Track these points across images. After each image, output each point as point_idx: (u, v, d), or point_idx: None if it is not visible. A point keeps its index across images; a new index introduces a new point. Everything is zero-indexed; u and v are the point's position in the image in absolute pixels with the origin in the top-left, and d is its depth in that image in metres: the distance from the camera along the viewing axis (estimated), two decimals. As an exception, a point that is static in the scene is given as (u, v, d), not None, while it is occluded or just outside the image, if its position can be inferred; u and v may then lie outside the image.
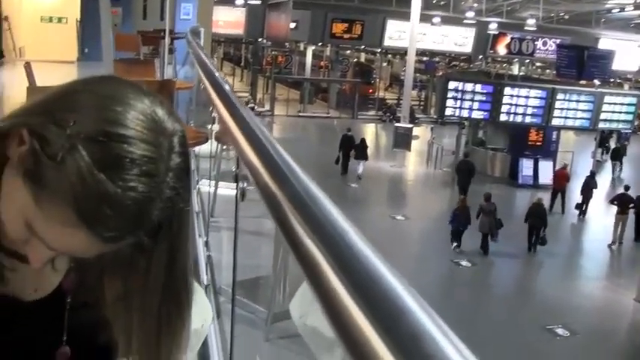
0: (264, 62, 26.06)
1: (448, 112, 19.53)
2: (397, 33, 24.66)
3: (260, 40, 23.85)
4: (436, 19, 24.74)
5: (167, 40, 7.45)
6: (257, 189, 0.90)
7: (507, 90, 18.87)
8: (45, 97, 0.98)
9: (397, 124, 19.41)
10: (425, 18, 21.44)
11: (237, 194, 2.07)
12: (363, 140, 16.95)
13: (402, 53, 24.61)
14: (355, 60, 25.98)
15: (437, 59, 28.38)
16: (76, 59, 14.59)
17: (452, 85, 19.05)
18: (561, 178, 16.28)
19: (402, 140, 18.22)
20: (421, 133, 22.80)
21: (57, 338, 1.20)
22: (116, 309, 1.13)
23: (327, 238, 0.62)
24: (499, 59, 28.02)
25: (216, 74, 2.12)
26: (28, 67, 5.77)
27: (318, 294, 0.56)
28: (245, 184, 2.00)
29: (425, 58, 27.17)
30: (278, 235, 2.94)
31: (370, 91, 24.28)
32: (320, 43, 23.28)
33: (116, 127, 0.89)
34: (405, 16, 19.90)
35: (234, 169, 1.92)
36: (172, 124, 0.95)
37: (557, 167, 17.55)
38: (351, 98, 24.77)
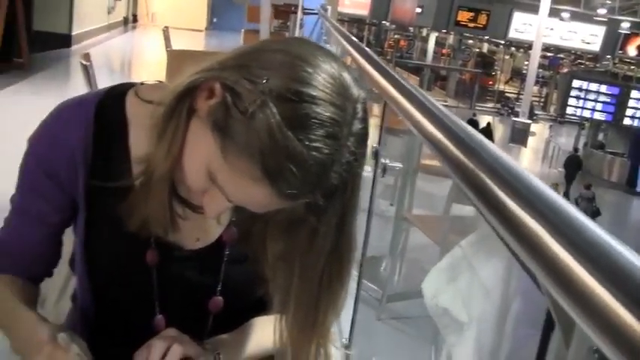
0: (385, 45, 25.95)
1: (569, 110, 18.98)
2: (523, 26, 24.03)
3: (384, 22, 23.75)
4: (565, 14, 23.91)
5: (300, 14, 7.54)
6: (445, 164, 0.90)
7: (635, 93, 18.15)
8: (237, 53, 1.01)
9: (515, 119, 18.94)
10: (554, 12, 20.76)
11: (375, 171, 2.08)
12: (488, 124, 16.81)
13: (525, 47, 24.00)
14: (477, 50, 25.51)
15: (562, 56, 27.49)
16: (205, 28, 14.99)
17: (576, 83, 18.48)
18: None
19: (519, 135, 17.78)
20: (538, 130, 22.21)
21: (212, 288, 1.25)
22: (276, 267, 1.17)
23: (542, 209, 0.62)
24: (628, 60, 26.88)
25: (368, 49, 2.14)
26: (166, 31, 6.00)
27: (540, 263, 0.55)
28: (387, 160, 2.00)
29: (549, 54, 26.38)
30: (398, 218, 2.95)
31: (490, 82, 23.84)
32: (444, 30, 23.00)
33: (307, 88, 0.92)
34: (533, 9, 19.32)
35: (373, 146, 1.92)
36: (357, 90, 0.98)
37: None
38: (470, 88, 24.36)
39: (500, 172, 0.74)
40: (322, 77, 0.94)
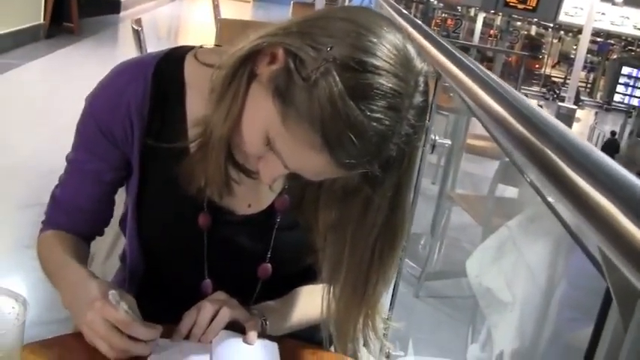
0: (432, 23, 25.67)
1: (617, 98, 18.61)
2: (574, 9, 23.49)
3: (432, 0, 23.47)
4: (618, -1, 23.43)
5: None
6: (508, 139, 0.89)
7: (686, 83, 17.74)
8: (302, 20, 1.01)
9: (560, 104, 18.64)
10: (607, -3, 20.35)
11: (424, 147, 2.07)
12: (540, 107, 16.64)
13: (575, 31, 23.53)
14: (525, 32, 25.08)
15: (612, 42, 26.93)
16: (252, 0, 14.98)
17: (625, 70, 18.10)
18: None
19: (564, 121, 17.35)
20: (584, 116, 21.83)
21: (261, 254, 1.26)
22: (327, 237, 1.17)
23: (609, 184, 0.61)
24: (682, 49, 26.21)
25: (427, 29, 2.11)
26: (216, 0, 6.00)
27: (608, 237, 0.55)
28: (436, 137, 1.99)
29: (599, 39, 25.84)
30: (441, 196, 2.94)
31: (537, 66, 23.46)
32: (492, 11, 22.64)
33: (370, 57, 0.91)
34: (586, -8, 18.97)
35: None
36: (420, 62, 0.97)
37: None
38: (516, 71, 23.98)
39: (566, 147, 0.73)
40: (386, 48, 0.94)
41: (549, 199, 0.90)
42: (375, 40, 0.94)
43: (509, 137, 0.90)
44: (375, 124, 0.91)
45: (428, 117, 2.05)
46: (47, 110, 4.90)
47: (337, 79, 0.90)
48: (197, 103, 1.19)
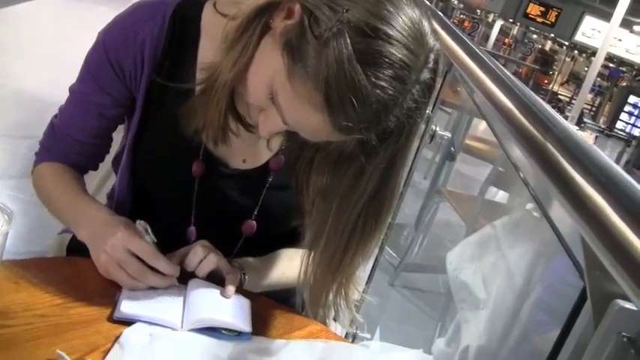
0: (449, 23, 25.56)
1: (619, 125, 18.65)
2: (591, 31, 23.49)
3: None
4: (637, 28, 23.38)
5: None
6: (509, 129, 0.90)
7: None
8: None
9: (563, 122, 18.72)
10: (626, 23, 20.31)
11: (424, 136, 2.07)
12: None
13: (588, 53, 23.55)
14: (540, 47, 25.05)
15: (623, 69, 26.94)
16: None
17: (632, 99, 18.15)
18: None
19: (563, 140, 17.60)
20: (584, 138, 21.91)
21: (249, 211, 1.26)
22: (315, 202, 1.17)
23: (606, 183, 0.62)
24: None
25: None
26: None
27: (599, 233, 0.56)
28: (436, 127, 1.99)
29: (611, 65, 25.84)
30: (431, 190, 2.94)
31: (546, 81, 23.46)
32: (511, 20, 22.62)
33: (385, 26, 0.91)
34: (605, 16, 18.87)
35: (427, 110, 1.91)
36: (433, 40, 0.97)
37: None
38: (524, 83, 23.96)
39: (566, 143, 0.74)
40: (402, 19, 0.94)
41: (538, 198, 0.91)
42: (392, 9, 0.94)
43: (512, 129, 0.90)
44: (378, 91, 0.91)
45: (432, 107, 2.06)
46: (58, 45, 4.88)
47: (348, 41, 0.90)
48: (208, 50, 1.19)
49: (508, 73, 1.13)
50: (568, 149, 0.73)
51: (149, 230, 1.14)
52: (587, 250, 0.69)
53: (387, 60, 0.91)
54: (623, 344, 0.66)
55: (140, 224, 1.15)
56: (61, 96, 1.37)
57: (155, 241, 1.13)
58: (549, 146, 0.76)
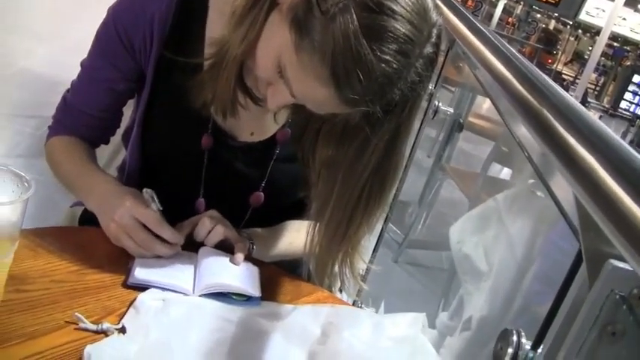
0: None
1: (623, 104, 18.59)
2: (596, 10, 23.34)
3: (455, -22, 23.24)
4: (642, 7, 23.26)
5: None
6: (509, 100, 0.92)
7: (693, 100, 17.75)
8: None
9: (566, 102, 18.64)
10: (630, 2, 20.17)
11: (427, 112, 2.10)
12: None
13: (593, 32, 23.43)
14: (543, 26, 24.91)
15: (628, 48, 26.77)
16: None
17: (636, 78, 18.10)
18: None
19: (567, 119, 17.55)
20: (587, 118, 21.85)
21: (256, 183, 1.30)
22: (321, 174, 1.20)
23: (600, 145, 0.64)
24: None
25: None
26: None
27: (592, 195, 0.59)
28: (439, 103, 2.02)
29: (615, 44, 25.70)
30: (435, 167, 2.96)
31: (549, 61, 23.37)
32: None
33: (389, 1, 0.94)
34: (610, -5, 18.84)
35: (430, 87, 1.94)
36: (436, 15, 1.00)
37: None
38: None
39: (561, 109, 0.77)
40: None
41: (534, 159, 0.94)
42: None
43: (511, 99, 0.93)
44: (383, 65, 0.94)
45: (434, 84, 2.08)
46: (63, 24, 4.87)
47: (354, 16, 0.93)
48: (216, 25, 1.22)
49: (508, 46, 1.16)
50: (563, 114, 0.76)
51: (155, 198, 1.17)
52: (581, 212, 0.72)
53: (391, 35, 0.94)
54: (616, 302, 0.69)
55: (147, 192, 1.18)
56: (67, 75, 1.40)
57: (161, 208, 1.17)
58: (545, 112, 0.79)
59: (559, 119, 0.75)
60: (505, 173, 3.87)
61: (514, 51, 1.11)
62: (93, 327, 0.96)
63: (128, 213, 1.14)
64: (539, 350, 0.83)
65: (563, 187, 0.79)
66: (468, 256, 1.84)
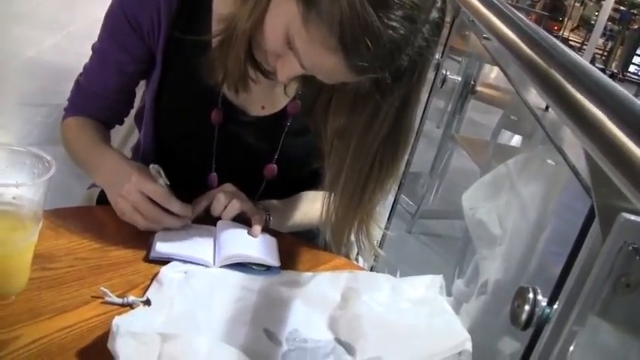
0: (455, -28, 25.20)
1: (632, 68, 18.36)
2: (601, -26, 23.23)
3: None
4: (647, -31, 23.00)
5: None
6: (519, 64, 0.93)
7: (702, 61, 17.58)
8: None
9: (574, 68, 18.49)
10: (636, -35, 19.98)
11: (434, 81, 2.10)
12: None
13: (599, -4, 23.25)
14: (549, -8, 24.66)
15: (635, 12, 26.49)
16: None
17: (644, 42, 17.86)
18: None
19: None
20: (596, 83, 21.70)
21: (269, 155, 1.32)
22: (334, 144, 1.22)
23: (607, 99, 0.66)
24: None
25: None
26: None
27: (602, 148, 0.60)
28: (447, 71, 2.02)
29: (622, 8, 25.45)
30: (445, 137, 2.97)
31: (555, 28, 23.17)
32: (518, -34, 22.34)
33: None
34: (615, -42, 18.63)
35: (435, 57, 1.95)
36: None
37: None
38: (533, 30, 23.61)
39: (568, 67, 0.79)
40: None
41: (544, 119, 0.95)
42: None
43: (519, 61, 0.94)
44: (390, 31, 0.95)
45: (441, 53, 2.08)
46: (69, 13, 4.90)
47: None
48: (224, 2, 1.23)
49: (514, 10, 1.17)
50: (570, 72, 0.77)
51: (162, 173, 1.19)
52: (593, 167, 0.73)
53: (397, 1, 0.95)
54: (629, 253, 0.70)
55: (153, 168, 1.20)
56: (75, 63, 1.42)
57: (168, 183, 1.19)
58: (553, 72, 0.80)
59: (567, 78, 0.76)
60: (515, 141, 3.87)
61: (520, 15, 1.12)
62: (119, 300, 0.99)
63: (135, 188, 1.17)
64: (555, 306, 0.84)
65: (574, 145, 0.81)
66: (481, 221, 1.85)
